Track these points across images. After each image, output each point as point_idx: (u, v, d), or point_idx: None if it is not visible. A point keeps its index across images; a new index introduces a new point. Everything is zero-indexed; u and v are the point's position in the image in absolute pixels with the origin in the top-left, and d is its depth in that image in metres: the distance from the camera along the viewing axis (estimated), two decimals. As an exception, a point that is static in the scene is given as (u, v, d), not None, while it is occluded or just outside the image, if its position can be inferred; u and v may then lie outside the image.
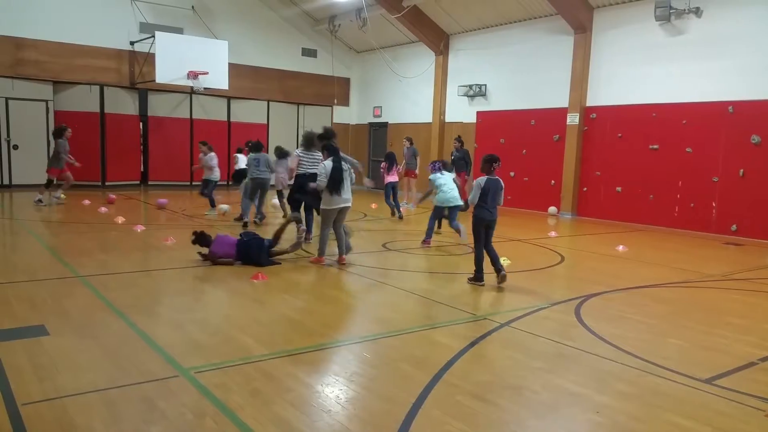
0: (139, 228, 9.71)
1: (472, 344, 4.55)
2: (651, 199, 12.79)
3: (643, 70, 12.82)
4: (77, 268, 6.74)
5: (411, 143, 14.96)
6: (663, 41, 12.43)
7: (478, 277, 6.64)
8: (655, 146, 12.65)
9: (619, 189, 13.38)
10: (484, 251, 6.62)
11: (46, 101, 16.20)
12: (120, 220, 10.49)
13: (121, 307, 5.19)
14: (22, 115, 15.81)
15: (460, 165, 14.11)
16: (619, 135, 13.35)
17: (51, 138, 16.19)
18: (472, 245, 6.82)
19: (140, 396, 3.43)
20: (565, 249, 9.46)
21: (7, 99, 15.63)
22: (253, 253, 7.21)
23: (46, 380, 3.58)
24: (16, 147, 15.88)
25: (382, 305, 5.80)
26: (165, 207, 12.56)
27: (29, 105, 15.96)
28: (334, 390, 3.63)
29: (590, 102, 13.95)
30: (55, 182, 12.73)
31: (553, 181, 14.74)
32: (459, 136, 14.95)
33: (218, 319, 5.19)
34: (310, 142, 8.69)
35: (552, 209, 14.60)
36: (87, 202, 12.49)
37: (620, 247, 9.52)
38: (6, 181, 15.84)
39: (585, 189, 14.14)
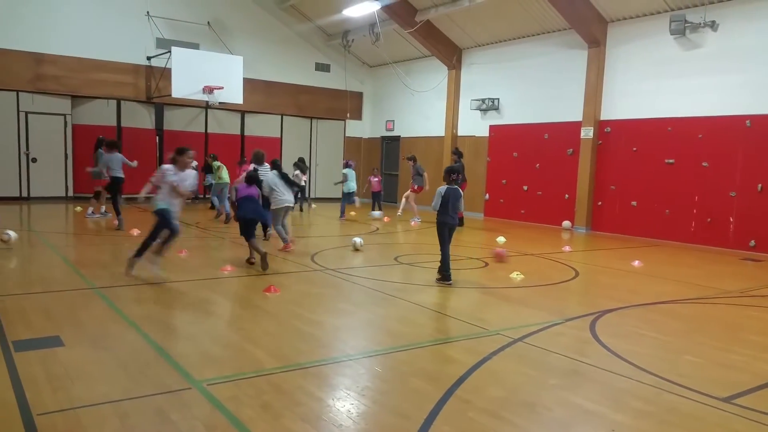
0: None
1: (485, 360, 4.51)
2: (667, 213, 12.68)
3: (658, 84, 12.76)
4: (92, 279, 6.80)
5: (414, 161, 15.05)
6: (678, 55, 12.38)
7: (445, 277, 7.28)
8: (671, 160, 12.55)
9: (634, 203, 13.28)
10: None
11: (65, 115, 16.47)
12: (135, 232, 10.58)
13: (135, 319, 5.22)
14: (41, 129, 16.08)
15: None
16: (634, 149, 13.27)
17: (69, 151, 16.46)
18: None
19: (153, 408, 3.43)
20: (579, 264, 9.39)
21: (27, 113, 15.91)
22: (260, 209, 8.33)
23: (60, 391, 3.60)
24: (34, 160, 16.13)
25: (394, 319, 5.77)
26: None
27: (48, 119, 16.23)
28: (345, 404, 3.61)
29: (604, 116, 13.90)
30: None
31: (567, 195, 14.67)
32: (456, 148, 14.91)
33: (230, 331, 5.20)
34: (259, 159, 10.32)
35: (566, 223, 14.51)
36: (115, 222, 12.14)
37: (636, 263, 9.42)
38: (24, 194, 16.07)
39: (600, 203, 14.05)
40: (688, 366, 4.60)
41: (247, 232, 8.05)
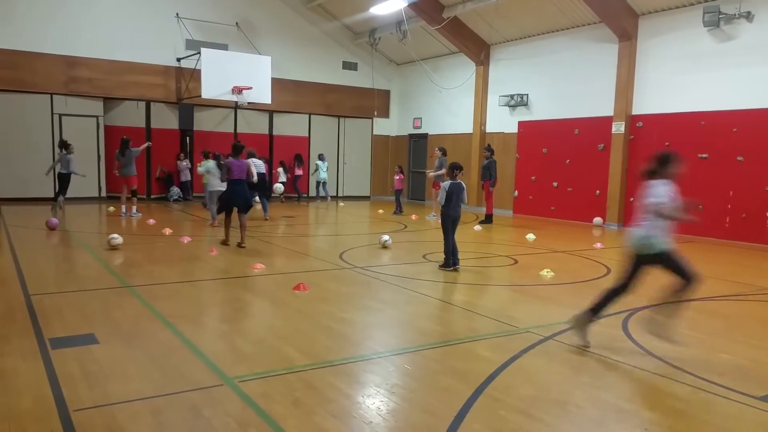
0: (186, 239, 9.94)
1: (515, 358, 4.47)
2: (701, 209, 12.39)
3: (691, 77, 12.48)
4: (126, 278, 6.93)
5: (443, 154, 14.78)
6: (712, 47, 12.09)
7: (447, 263, 7.94)
8: (704, 155, 12.27)
9: (666, 199, 13.00)
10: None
11: (97, 117, 16.82)
12: (167, 231, 10.76)
13: (167, 317, 5.31)
14: (74, 131, 16.45)
15: (485, 174, 14.07)
16: (667, 143, 12.99)
17: (101, 152, 16.83)
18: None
19: (186, 404, 3.49)
20: (611, 261, 9.24)
21: (60, 115, 16.30)
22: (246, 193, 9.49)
23: (96, 387, 3.68)
24: (69, 161, 16.48)
25: (423, 316, 5.76)
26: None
27: (81, 121, 16.61)
28: (375, 401, 3.62)
29: (636, 110, 13.65)
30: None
31: (598, 191, 14.45)
32: (489, 145, 14.73)
33: (261, 328, 5.25)
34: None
35: (597, 220, 14.30)
36: (151, 221, 12.28)
37: (669, 259, 9.22)
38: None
39: (632, 199, 13.80)
40: (723, 364, 4.49)
41: (227, 212, 9.63)
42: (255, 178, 10.06)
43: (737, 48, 11.69)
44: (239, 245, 9.37)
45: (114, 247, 8.79)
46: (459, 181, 7.90)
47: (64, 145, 13.36)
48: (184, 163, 17.93)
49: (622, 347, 4.83)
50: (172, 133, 17.98)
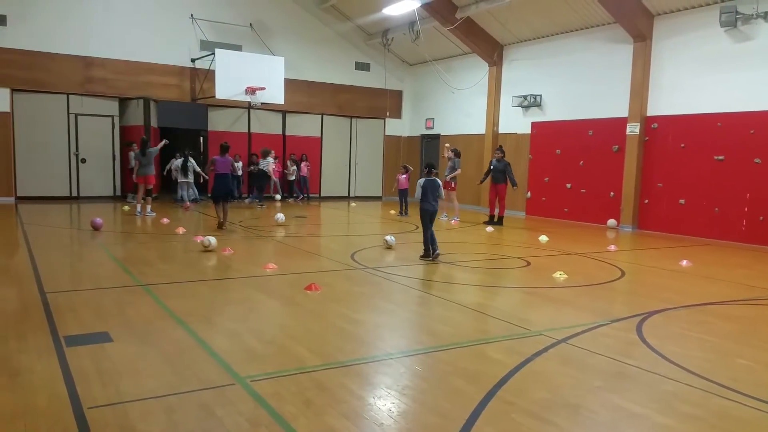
0: (199, 239, 9.99)
1: (527, 361, 4.45)
2: (716, 212, 12.27)
3: (707, 78, 12.35)
4: (140, 277, 6.99)
5: (457, 155, 14.72)
6: (729, 48, 11.95)
7: (426, 254, 8.71)
8: (721, 157, 12.14)
9: (682, 201, 12.89)
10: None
11: (112, 117, 16.98)
12: (180, 230, 10.83)
13: (180, 315, 5.34)
14: (90, 130, 16.66)
15: (498, 177, 13.71)
16: (682, 145, 12.89)
17: (117, 152, 16.99)
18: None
19: (198, 403, 3.50)
20: (625, 263, 9.17)
21: (77, 115, 16.48)
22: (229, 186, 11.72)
23: (109, 385, 3.71)
24: (84, 161, 16.68)
25: (434, 318, 5.75)
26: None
27: (97, 120, 16.78)
28: (386, 403, 3.61)
29: (651, 111, 13.54)
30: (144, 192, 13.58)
31: (612, 193, 14.35)
32: (500, 146, 14.46)
33: (273, 328, 5.27)
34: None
35: (611, 222, 14.19)
36: (166, 220, 12.34)
37: (684, 262, 9.15)
38: (74, 193, 16.65)
39: (646, 201, 13.69)
40: (739, 369, 4.43)
41: (216, 201, 11.56)
42: (239, 173, 13.31)
43: (755, 48, 11.55)
44: (220, 226, 11.31)
45: (208, 249, 8.82)
46: (433, 178, 8.64)
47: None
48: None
49: (636, 352, 4.79)
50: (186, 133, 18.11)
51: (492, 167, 13.98)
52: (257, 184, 17.20)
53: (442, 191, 8.79)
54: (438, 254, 8.70)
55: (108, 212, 14.33)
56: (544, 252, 10.04)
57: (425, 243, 8.72)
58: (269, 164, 17.01)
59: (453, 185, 14.50)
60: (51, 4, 15.71)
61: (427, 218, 8.65)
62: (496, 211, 14.00)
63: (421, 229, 9.00)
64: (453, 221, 14.35)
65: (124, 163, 16.84)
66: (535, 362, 4.43)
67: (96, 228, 10.65)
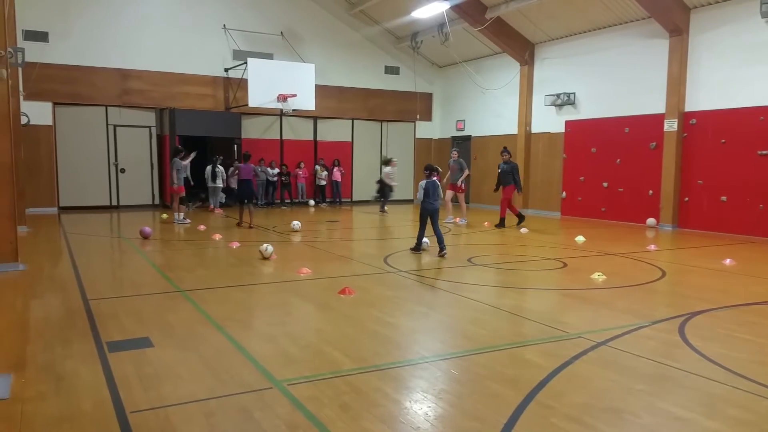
0: (235, 245, 10.14)
1: (566, 364, 4.37)
2: (761, 208, 11.88)
3: (747, 72, 12.00)
4: (178, 283, 7.11)
5: (458, 155, 14.63)
6: (770, 39, 11.59)
7: (417, 247, 9.46)
8: (764, 152, 11.76)
9: (724, 198, 12.53)
10: (432, 232, 9.26)
11: (149, 127, 17.38)
12: (217, 237, 11.00)
13: (219, 320, 5.41)
14: (128, 141, 17.08)
15: (506, 179, 13.36)
16: (723, 141, 12.53)
17: (154, 161, 17.36)
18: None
19: (237, 407, 3.54)
20: (665, 263, 8.95)
21: (115, 126, 16.92)
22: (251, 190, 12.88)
23: (151, 390, 3.78)
24: (123, 170, 17.11)
25: (470, 321, 5.70)
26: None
27: (134, 131, 17.20)
28: (422, 407, 3.59)
29: (689, 107, 13.21)
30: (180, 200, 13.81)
31: (650, 191, 14.04)
32: (506, 148, 14.02)
33: (308, 332, 5.30)
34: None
35: (651, 221, 13.88)
36: (202, 227, 12.64)
37: (727, 261, 8.89)
38: (114, 202, 17.08)
39: (686, 199, 13.36)
40: (790, 372, 4.27)
41: (240, 203, 12.91)
42: (274, 179, 15.35)
43: (797, 39, 11.18)
44: (249, 227, 12.53)
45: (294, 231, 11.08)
46: (434, 179, 9.32)
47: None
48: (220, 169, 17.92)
49: (679, 354, 4.66)
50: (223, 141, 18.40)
51: (500, 170, 13.58)
52: (381, 191, 17.24)
53: (441, 191, 9.55)
54: (445, 254, 9.06)
55: (147, 220, 14.64)
56: (581, 253, 9.87)
57: (419, 238, 9.45)
58: (388, 173, 17.02)
59: (463, 187, 14.38)
60: (89, 20, 16.19)
61: (426, 216, 9.27)
62: (506, 213, 13.55)
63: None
64: (461, 221, 14.18)
65: (162, 171, 17.17)
66: (574, 365, 4.35)
67: (145, 237, 10.89)
